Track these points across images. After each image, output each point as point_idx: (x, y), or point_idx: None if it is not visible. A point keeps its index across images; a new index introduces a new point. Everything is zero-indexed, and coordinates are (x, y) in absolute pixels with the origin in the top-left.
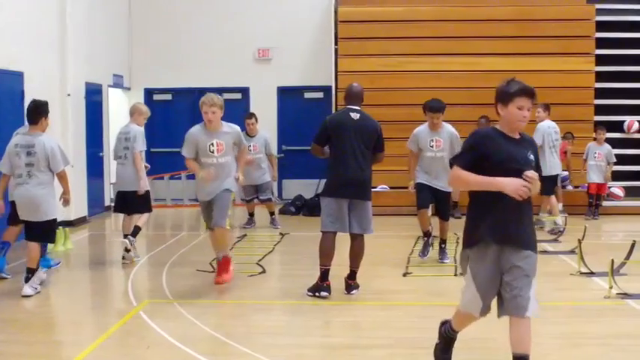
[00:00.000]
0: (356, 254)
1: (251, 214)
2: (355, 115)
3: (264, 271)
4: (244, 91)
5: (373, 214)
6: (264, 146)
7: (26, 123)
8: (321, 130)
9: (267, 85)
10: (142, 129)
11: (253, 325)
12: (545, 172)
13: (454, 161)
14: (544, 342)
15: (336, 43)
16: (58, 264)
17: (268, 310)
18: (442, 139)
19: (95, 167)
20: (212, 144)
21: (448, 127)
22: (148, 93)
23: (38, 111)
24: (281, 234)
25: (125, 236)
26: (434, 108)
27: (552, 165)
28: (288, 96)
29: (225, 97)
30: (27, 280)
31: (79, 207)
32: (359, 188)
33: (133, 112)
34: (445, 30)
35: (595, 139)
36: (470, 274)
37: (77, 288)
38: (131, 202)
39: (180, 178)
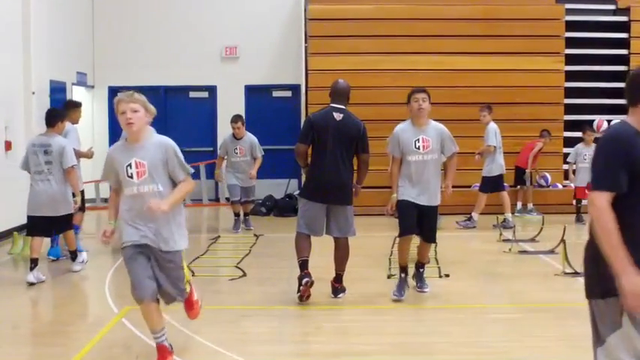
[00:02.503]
0: (340, 257)
1: (237, 214)
2: (338, 116)
3: (244, 275)
4: (211, 90)
5: None
6: (250, 149)
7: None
8: (306, 128)
9: (234, 84)
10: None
11: (243, 331)
12: (498, 172)
13: (594, 185)
14: (545, 344)
15: (306, 41)
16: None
17: (256, 315)
18: (430, 137)
19: None
20: (130, 165)
21: (435, 124)
22: (112, 91)
23: (54, 115)
24: (255, 235)
25: None
26: (418, 88)
27: (501, 165)
28: (255, 94)
29: (191, 95)
30: (73, 259)
31: None
32: (337, 193)
33: None
34: (416, 29)
35: (582, 140)
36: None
37: (53, 295)
38: None
39: None
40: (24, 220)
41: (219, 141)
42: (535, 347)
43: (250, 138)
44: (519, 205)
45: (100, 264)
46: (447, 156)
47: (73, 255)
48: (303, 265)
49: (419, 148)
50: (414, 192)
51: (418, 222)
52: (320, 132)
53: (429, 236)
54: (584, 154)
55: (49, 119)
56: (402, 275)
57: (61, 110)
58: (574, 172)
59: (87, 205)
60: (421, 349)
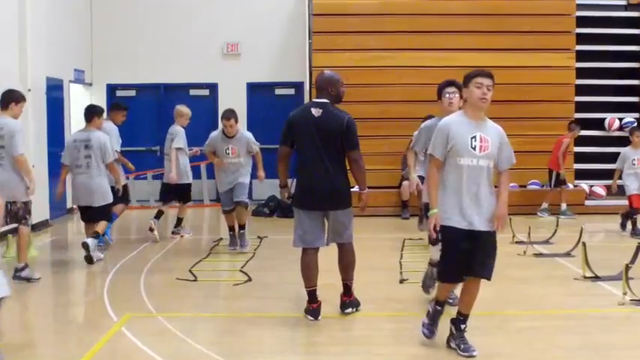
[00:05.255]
0: (344, 264)
1: (232, 229)
2: (317, 111)
3: (249, 279)
4: (212, 87)
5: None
6: (245, 149)
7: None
8: (285, 128)
9: (236, 81)
10: (182, 129)
11: (251, 341)
12: None
13: None
14: (572, 355)
15: (310, 37)
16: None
17: (264, 323)
18: (490, 137)
19: (56, 168)
20: None
21: (492, 123)
22: (111, 89)
23: (92, 112)
24: (259, 237)
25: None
26: (481, 71)
27: None
28: (258, 92)
29: (192, 93)
30: (95, 237)
31: (40, 210)
32: (330, 198)
33: (177, 114)
34: (422, 24)
35: (630, 142)
36: None
37: (49, 300)
38: (173, 192)
39: (145, 178)
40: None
41: None
42: (564, 358)
43: (244, 135)
44: (564, 206)
45: (98, 268)
46: (502, 169)
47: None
48: (311, 296)
49: (475, 149)
50: (463, 212)
51: (469, 256)
52: (299, 131)
53: (485, 272)
54: (633, 158)
55: (86, 115)
56: (438, 307)
57: (97, 107)
58: (620, 178)
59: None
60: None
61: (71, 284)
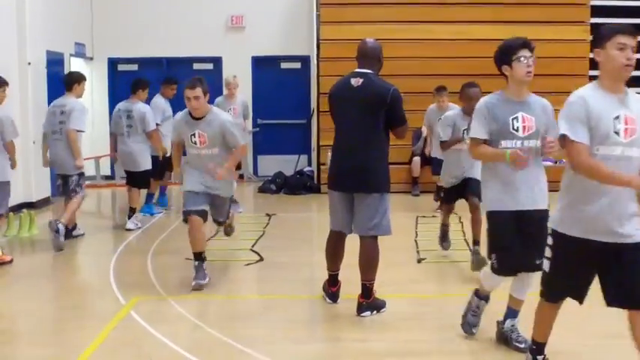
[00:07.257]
0: (362, 262)
1: (198, 254)
2: (357, 81)
3: (261, 259)
4: (216, 61)
5: None
6: (220, 138)
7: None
8: (328, 102)
9: (240, 55)
10: (221, 100)
11: (268, 326)
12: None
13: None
14: (598, 343)
15: (317, 9)
16: (160, 213)
17: (280, 307)
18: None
19: None
20: None
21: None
22: (112, 63)
23: (136, 84)
24: (268, 215)
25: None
26: (626, 28)
27: None
28: (263, 66)
29: (195, 67)
30: (129, 217)
31: (40, 187)
32: (354, 178)
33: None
34: None
35: None
36: None
37: (51, 283)
38: None
39: None
40: (19, 200)
41: None
42: (578, 344)
43: (220, 118)
44: None
45: (103, 247)
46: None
47: (131, 212)
48: (331, 280)
49: (619, 134)
50: (598, 222)
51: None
52: (336, 104)
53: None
54: None
55: (132, 88)
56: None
57: (143, 80)
58: None
59: (87, 182)
60: (478, 345)
61: (75, 266)
